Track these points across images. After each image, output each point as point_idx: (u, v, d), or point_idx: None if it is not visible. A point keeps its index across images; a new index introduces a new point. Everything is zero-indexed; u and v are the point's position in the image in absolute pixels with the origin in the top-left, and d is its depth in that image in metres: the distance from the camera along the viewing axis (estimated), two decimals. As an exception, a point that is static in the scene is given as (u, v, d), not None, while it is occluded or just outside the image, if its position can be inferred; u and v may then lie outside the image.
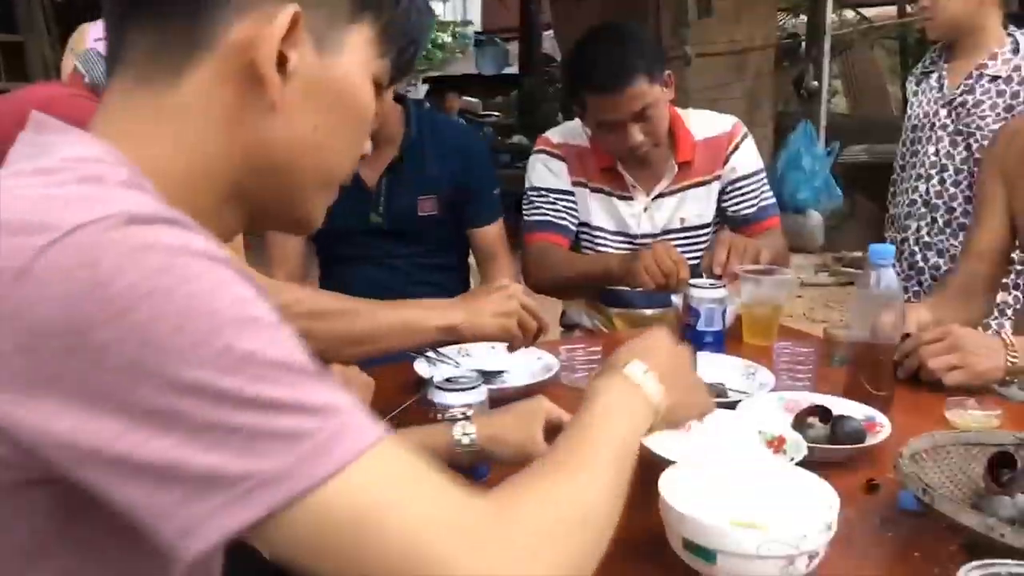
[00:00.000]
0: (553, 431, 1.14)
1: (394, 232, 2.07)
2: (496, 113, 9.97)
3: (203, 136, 0.66)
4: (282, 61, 0.65)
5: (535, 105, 8.56)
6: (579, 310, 2.32)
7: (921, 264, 2.46)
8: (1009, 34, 2.31)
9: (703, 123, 2.17)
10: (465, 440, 1.10)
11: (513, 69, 10.52)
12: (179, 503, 0.52)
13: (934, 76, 2.44)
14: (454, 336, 1.39)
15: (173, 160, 0.65)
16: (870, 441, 1.25)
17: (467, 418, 1.13)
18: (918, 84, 2.50)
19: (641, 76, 1.91)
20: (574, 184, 2.16)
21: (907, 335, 1.54)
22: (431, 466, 0.60)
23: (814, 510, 0.93)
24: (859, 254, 6.76)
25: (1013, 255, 1.95)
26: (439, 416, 1.19)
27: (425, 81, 12.58)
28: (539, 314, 1.46)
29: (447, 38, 16.35)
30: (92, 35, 1.88)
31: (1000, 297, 2.24)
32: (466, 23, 17.74)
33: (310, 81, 0.68)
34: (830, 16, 7.08)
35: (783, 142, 7.13)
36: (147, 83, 0.65)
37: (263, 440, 0.53)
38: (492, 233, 2.14)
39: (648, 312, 2.18)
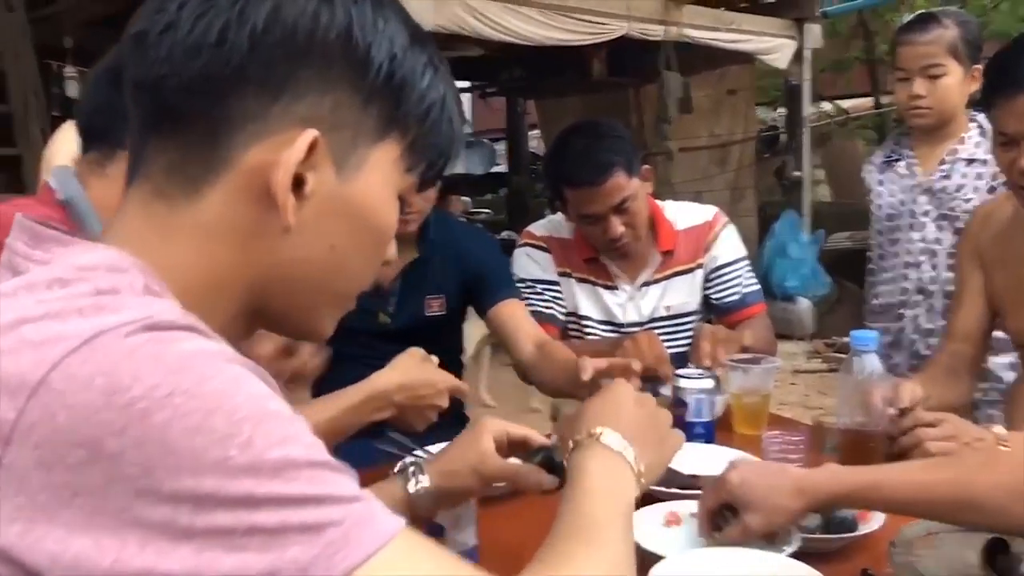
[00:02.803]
0: (510, 446, 1.14)
1: (400, 332, 2.02)
2: (486, 210, 10.11)
3: (218, 252, 0.66)
4: (300, 183, 0.65)
5: (523, 202, 8.71)
6: (571, 404, 2.30)
7: (924, 352, 2.42)
8: (972, 118, 2.35)
9: (684, 213, 2.20)
10: (419, 488, 1.08)
11: (502, 168, 10.73)
12: None
13: (901, 164, 2.44)
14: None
15: (188, 273, 0.65)
16: (863, 530, 1.23)
17: (417, 465, 1.11)
18: (881, 172, 2.51)
19: (619, 169, 1.95)
20: (560, 274, 2.18)
21: (904, 410, 1.52)
22: (451, 556, 0.62)
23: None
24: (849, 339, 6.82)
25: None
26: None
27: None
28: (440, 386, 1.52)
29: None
30: (65, 143, 1.89)
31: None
32: (454, 125, 18.14)
33: (329, 202, 0.67)
34: (808, 108, 7.26)
35: (768, 231, 7.22)
36: (165, 197, 0.66)
37: (285, 535, 0.53)
38: (514, 307, 2.07)
39: (638, 403, 2.16)
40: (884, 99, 9.84)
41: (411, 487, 1.08)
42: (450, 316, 2.09)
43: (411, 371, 1.49)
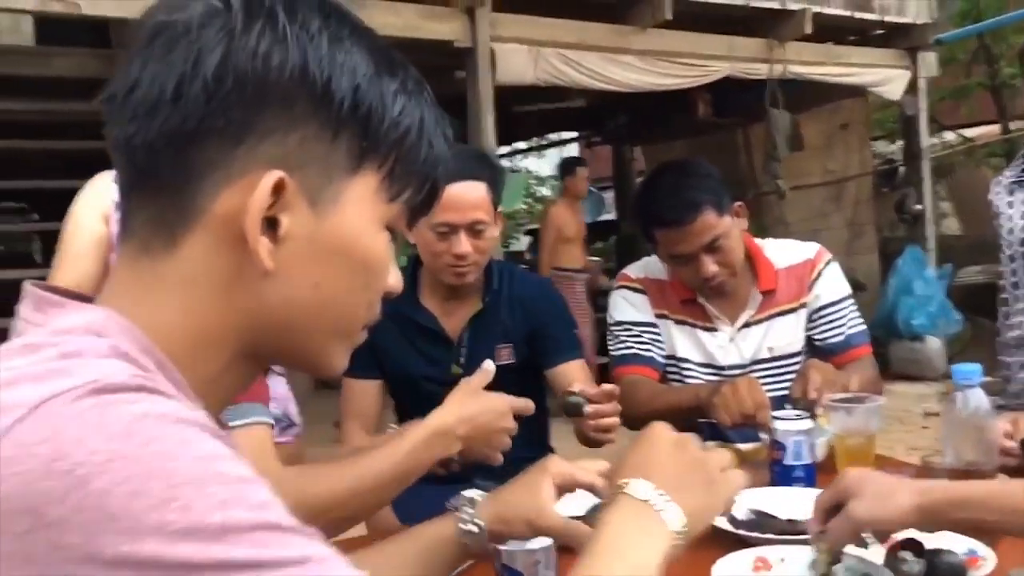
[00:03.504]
0: (565, 490, 1.11)
1: None
2: (596, 258, 10.11)
3: (204, 303, 0.66)
4: (274, 225, 0.65)
5: (633, 247, 8.65)
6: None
7: None
8: None
9: (785, 252, 2.15)
10: (473, 529, 1.06)
11: (611, 215, 10.72)
12: None
13: None
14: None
15: (178, 327, 0.65)
16: (972, 576, 1.15)
17: (471, 504, 1.09)
18: (1011, 194, 2.38)
19: (708, 208, 1.92)
20: (657, 316, 2.15)
21: None
22: None
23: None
24: (989, 379, 6.43)
25: None
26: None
27: (527, 233, 12.91)
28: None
29: (546, 191, 16.84)
30: (95, 197, 1.97)
31: None
32: (565, 176, 18.26)
33: (306, 241, 0.66)
34: (926, 139, 7.00)
35: (891, 268, 6.95)
36: (149, 252, 0.66)
37: None
38: (573, 369, 2.08)
39: (742, 447, 2.10)
40: (1013, 124, 9.40)
41: (462, 528, 1.07)
42: (521, 365, 2.09)
43: (467, 402, 1.49)
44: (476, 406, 1.48)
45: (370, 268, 0.71)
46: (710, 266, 1.97)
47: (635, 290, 2.17)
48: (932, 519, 1.08)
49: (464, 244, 1.90)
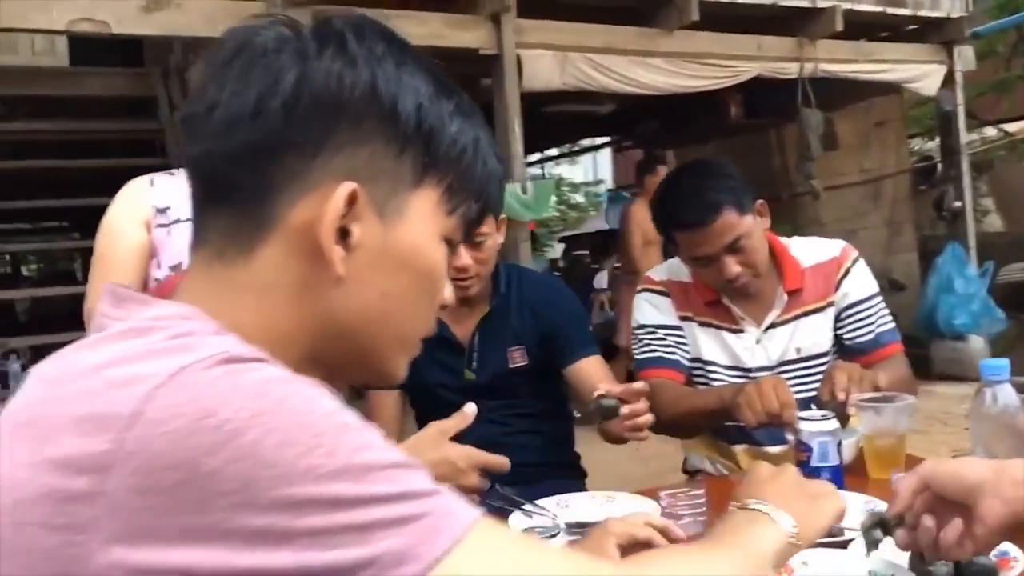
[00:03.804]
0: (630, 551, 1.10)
1: (487, 387, 2.04)
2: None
3: (277, 308, 0.70)
4: (346, 234, 0.69)
5: (668, 253, 8.58)
6: (700, 455, 2.22)
7: None
8: None
9: (810, 250, 2.10)
10: None
11: (645, 220, 10.66)
12: None
13: None
14: None
15: (254, 328, 0.68)
16: (1004, 579, 1.11)
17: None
18: None
19: (729, 208, 1.89)
20: (681, 319, 2.11)
21: None
22: (528, 537, 0.70)
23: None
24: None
25: None
26: None
27: (561, 240, 12.89)
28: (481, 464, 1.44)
29: (580, 198, 16.81)
30: (126, 205, 1.93)
31: None
32: (598, 182, 18.25)
33: (375, 250, 0.71)
34: (964, 135, 6.86)
35: (931, 267, 6.82)
36: (224, 259, 0.71)
37: (377, 530, 0.57)
38: (590, 365, 2.06)
39: (772, 450, 2.06)
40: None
41: None
42: (535, 366, 2.07)
43: (425, 451, 1.41)
44: (432, 457, 1.41)
45: (431, 277, 0.76)
46: (733, 267, 1.93)
47: (658, 293, 2.14)
48: None
49: (464, 257, 1.89)
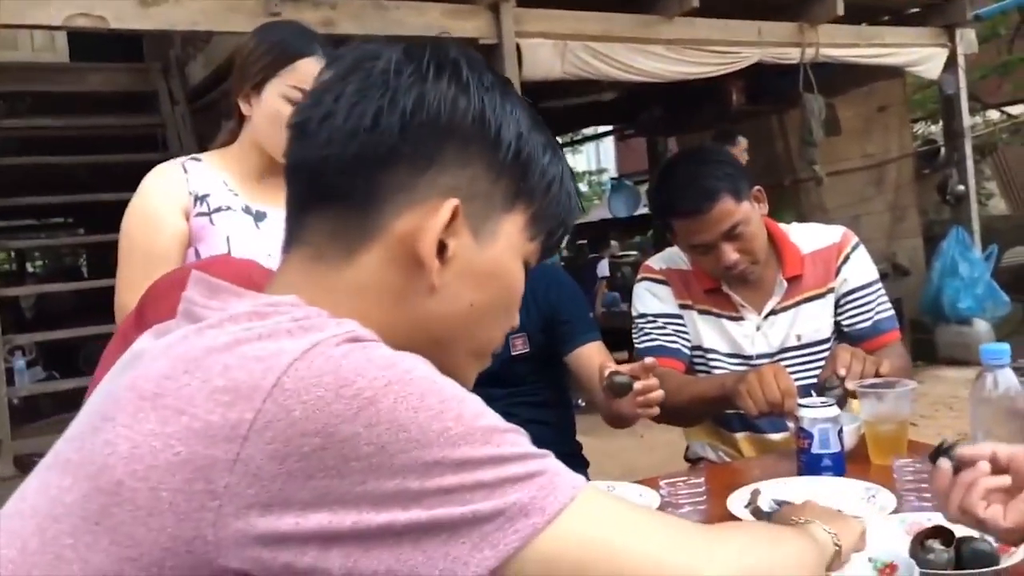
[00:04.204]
0: None
1: (489, 375, 2.03)
2: (634, 252, 10.03)
3: (370, 309, 0.74)
4: (442, 248, 0.75)
5: (670, 242, 8.57)
6: (702, 443, 2.21)
7: None
8: None
9: (810, 236, 2.10)
10: None
11: (646, 209, 10.65)
12: (440, 550, 0.61)
13: None
14: None
15: None
16: (1004, 563, 1.10)
17: None
18: None
19: (725, 195, 1.88)
20: (681, 307, 2.11)
21: None
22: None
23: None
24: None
25: None
26: None
27: (564, 229, 12.83)
28: None
29: (583, 187, 16.77)
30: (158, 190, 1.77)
31: None
32: (601, 171, 18.21)
33: (467, 265, 0.77)
34: (967, 119, 6.83)
35: (935, 251, 6.80)
36: (324, 260, 0.76)
37: (504, 486, 0.63)
38: (592, 351, 2.06)
39: (774, 437, 2.06)
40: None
41: None
42: (536, 354, 2.07)
43: None
44: None
45: (511, 296, 0.83)
46: (731, 254, 1.92)
47: (658, 281, 2.14)
48: None
49: None
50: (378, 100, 0.74)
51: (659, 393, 1.64)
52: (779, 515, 0.98)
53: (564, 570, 0.64)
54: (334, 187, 0.75)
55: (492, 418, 0.66)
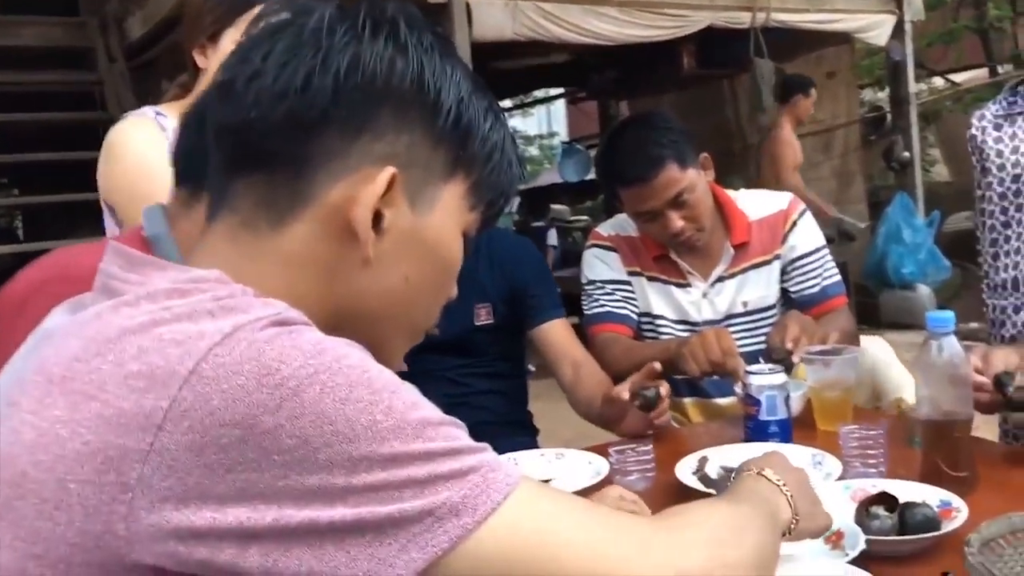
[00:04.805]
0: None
1: (451, 343, 2.00)
2: (584, 217, 10.03)
3: (299, 282, 0.70)
4: (377, 219, 0.70)
5: (618, 208, 8.58)
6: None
7: None
8: None
9: (757, 203, 2.10)
10: None
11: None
12: (365, 551, 0.58)
13: None
14: None
15: (273, 298, 0.68)
16: (945, 529, 1.12)
17: None
18: (998, 129, 2.29)
19: (671, 162, 1.87)
20: (629, 274, 2.10)
21: (1006, 374, 1.39)
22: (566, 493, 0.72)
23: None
24: (976, 325, 6.37)
25: None
26: None
27: (517, 194, 12.81)
28: None
29: (533, 151, 16.71)
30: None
31: None
32: (552, 135, 18.15)
33: (403, 236, 0.72)
34: (913, 85, 6.91)
35: (880, 217, 6.90)
36: (251, 229, 0.71)
37: (435, 483, 0.60)
38: (557, 328, 2.04)
39: (721, 401, 2.08)
40: (1001, 68, 9.30)
41: None
42: (499, 325, 2.04)
43: None
44: None
45: (448, 270, 0.78)
46: (676, 222, 1.92)
47: (607, 248, 2.12)
48: None
49: None
50: (310, 60, 0.69)
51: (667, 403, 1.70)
52: (754, 462, 0.94)
53: (495, 570, 0.61)
54: (261, 152, 0.70)
55: (426, 410, 0.62)
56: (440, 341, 1.99)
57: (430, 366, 2.03)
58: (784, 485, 0.89)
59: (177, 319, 0.60)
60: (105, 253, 0.70)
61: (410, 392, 0.63)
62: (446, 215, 0.75)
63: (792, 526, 0.88)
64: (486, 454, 0.64)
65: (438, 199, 0.74)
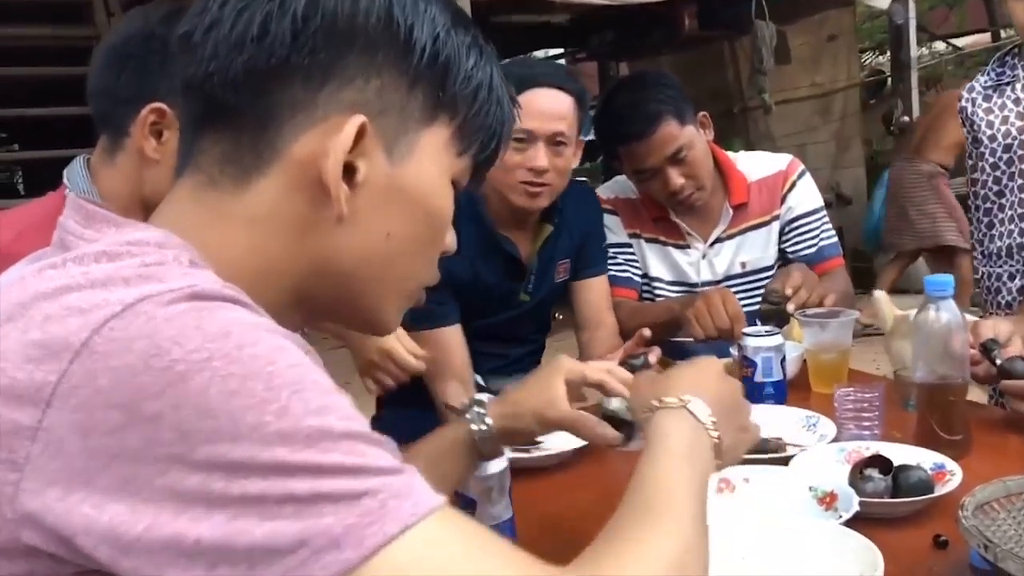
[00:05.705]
0: (576, 389, 1.10)
1: (535, 305, 1.93)
2: (583, 178, 9.98)
3: (268, 242, 0.66)
4: (351, 171, 0.65)
5: (621, 168, 8.54)
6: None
7: None
8: None
9: (757, 163, 2.09)
10: (482, 427, 1.05)
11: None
12: None
13: (1018, 86, 2.22)
14: None
15: (237, 259, 0.65)
16: (939, 492, 1.12)
17: (481, 406, 1.07)
18: (988, 100, 2.28)
19: (669, 118, 1.86)
20: (630, 236, 2.10)
21: (992, 341, 1.40)
22: (490, 535, 0.58)
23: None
24: (974, 289, 6.38)
25: None
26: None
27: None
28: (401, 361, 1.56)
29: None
30: None
31: None
32: (551, 95, 17.98)
33: (381, 189, 0.67)
34: (915, 49, 6.84)
35: (878, 181, 6.87)
36: (217, 187, 0.66)
37: (319, 504, 0.51)
38: (597, 286, 1.99)
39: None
40: (1004, 32, 9.21)
41: (475, 426, 1.05)
42: (569, 280, 1.99)
43: (389, 338, 1.52)
44: (384, 346, 1.57)
45: (437, 222, 0.72)
46: (676, 179, 1.90)
47: (607, 211, 2.11)
48: None
49: (542, 157, 1.69)
50: (266, 4, 0.64)
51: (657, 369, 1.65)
52: (674, 385, 0.84)
53: None
54: (223, 106, 0.65)
55: (333, 419, 0.54)
56: (527, 308, 1.92)
57: (517, 330, 1.96)
58: (712, 422, 0.81)
59: (91, 285, 0.55)
60: (65, 207, 0.67)
61: (326, 396, 0.55)
62: (430, 163, 0.69)
63: (718, 464, 0.81)
64: (395, 477, 0.54)
65: (419, 146, 0.68)
